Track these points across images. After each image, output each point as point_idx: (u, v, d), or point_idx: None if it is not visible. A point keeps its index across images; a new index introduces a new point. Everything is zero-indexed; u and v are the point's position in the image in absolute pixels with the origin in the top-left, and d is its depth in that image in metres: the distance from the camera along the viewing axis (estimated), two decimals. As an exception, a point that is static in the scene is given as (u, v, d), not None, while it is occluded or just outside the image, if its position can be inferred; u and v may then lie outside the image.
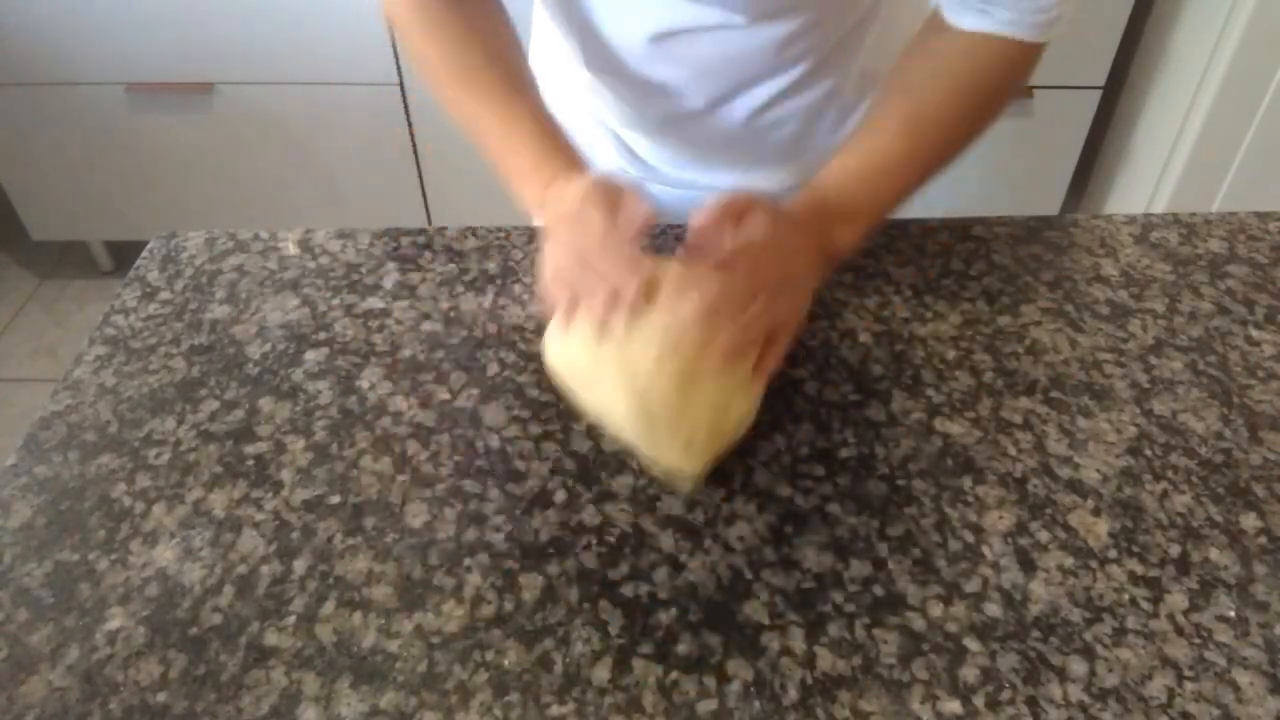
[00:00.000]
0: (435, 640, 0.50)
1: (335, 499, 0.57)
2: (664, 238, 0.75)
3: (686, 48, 0.72)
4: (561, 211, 0.60)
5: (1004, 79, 0.67)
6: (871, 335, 0.67)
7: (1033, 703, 0.47)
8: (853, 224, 0.65)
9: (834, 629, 0.50)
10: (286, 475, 0.59)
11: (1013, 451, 0.60)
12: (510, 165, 0.66)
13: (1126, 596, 0.52)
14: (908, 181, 0.66)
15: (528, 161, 0.64)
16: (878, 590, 0.52)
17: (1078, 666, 0.49)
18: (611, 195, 0.58)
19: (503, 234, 0.77)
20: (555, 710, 0.47)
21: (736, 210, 0.58)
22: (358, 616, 0.51)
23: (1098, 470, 0.59)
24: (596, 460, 0.59)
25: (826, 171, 0.66)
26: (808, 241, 0.61)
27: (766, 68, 0.74)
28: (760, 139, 0.79)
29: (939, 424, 0.61)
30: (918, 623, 0.51)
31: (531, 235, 0.77)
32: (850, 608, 0.51)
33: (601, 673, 0.49)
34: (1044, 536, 0.55)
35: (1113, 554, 0.54)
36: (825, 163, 0.67)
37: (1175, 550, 0.54)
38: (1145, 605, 0.51)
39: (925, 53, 0.68)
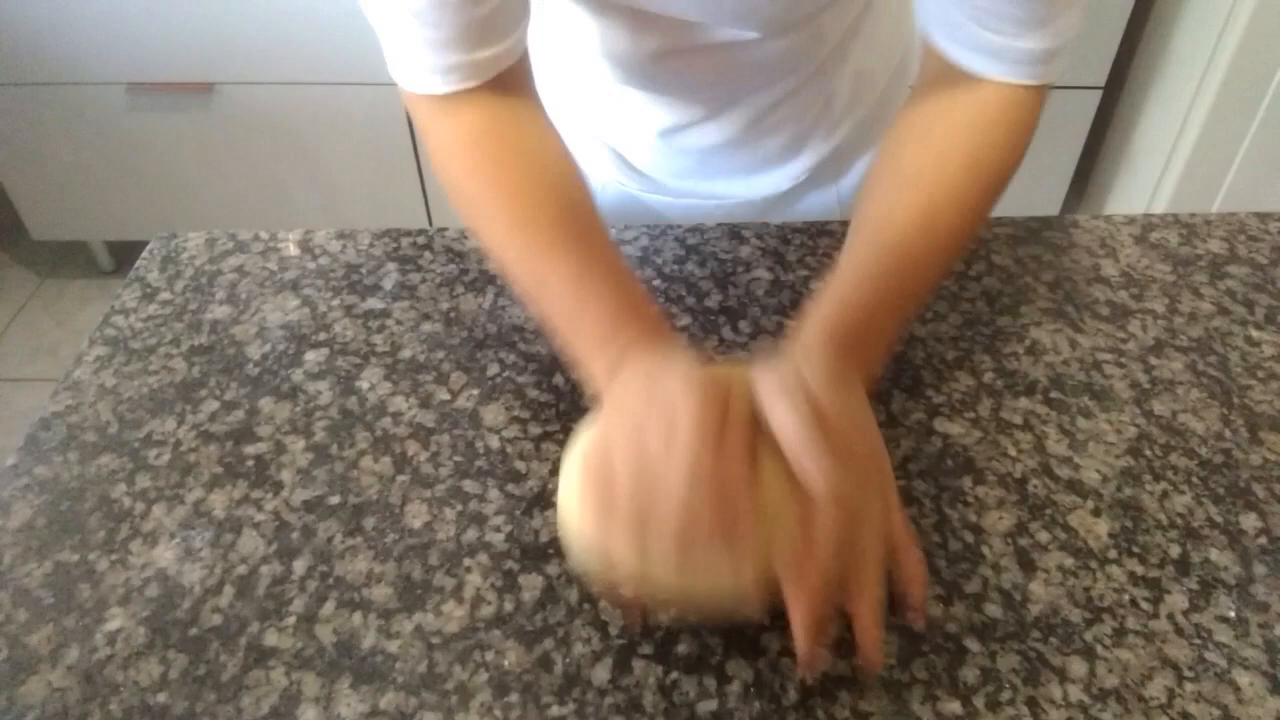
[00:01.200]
0: (435, 640, 0.50)
1: (335, 499, 0.57)
2: (664, 238, 0.75)
3: (693, 62, 0.71)
4: (636, 390, 0.47)
5: (1014, 143, 0.58)
6: (871, 335, 0.67)
7: (1033, 703, 0.47)
8: (885, 345, 0.55)
9: (834, 629, 0.50)
10: (286, 475, 0.59)
11: (1013, 452, 0.60)
12: (580, 333, 0.54)
13: (1126, 597, 0.52)
14: (929, 283, 0.58)
15: (601, 327, 0.52)
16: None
17: (1078, 667, 0.49)
18: (718, 396, 0.45)
19: (503, 234, 0.77)
20: (555, 710, 0.47)
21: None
22: (358, 616, 0.51)
23: (1098, 470, 0.59)
24: (596, 460, 0.59)
25: (841, 287, 0.55)
26: (859, 392, 0.50)
27: (768, 76, 0.74)
28: (759, 143, 0.79)
29: (939, 424, 0.61)
30: (917, 623, 0.51)
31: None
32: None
33: (601, 673, 0.49)
34: (1044, 537, 0.55)
35: (1113, 554, 0.54)
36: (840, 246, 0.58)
37: (1175, 551, 0.54)
38: (1145, 606, 0.52)
39: (930, 125, 0.59)
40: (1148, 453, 0.60)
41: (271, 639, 0.50)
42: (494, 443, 0.60)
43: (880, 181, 0.60)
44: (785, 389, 0.46)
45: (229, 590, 0.53)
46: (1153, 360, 0.66)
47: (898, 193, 0.57)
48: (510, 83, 0.59)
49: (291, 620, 0.51)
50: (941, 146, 0.57)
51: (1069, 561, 0.54)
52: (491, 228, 0.58)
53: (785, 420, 0.45)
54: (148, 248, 0.77)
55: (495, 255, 0.58)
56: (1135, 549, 0.54)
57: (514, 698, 0.48)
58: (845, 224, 0.77)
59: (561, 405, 0.62)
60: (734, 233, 0.76)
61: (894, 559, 0.48)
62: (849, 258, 0.57)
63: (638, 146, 0.82)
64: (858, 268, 0.56)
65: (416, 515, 0.56)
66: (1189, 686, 0.48)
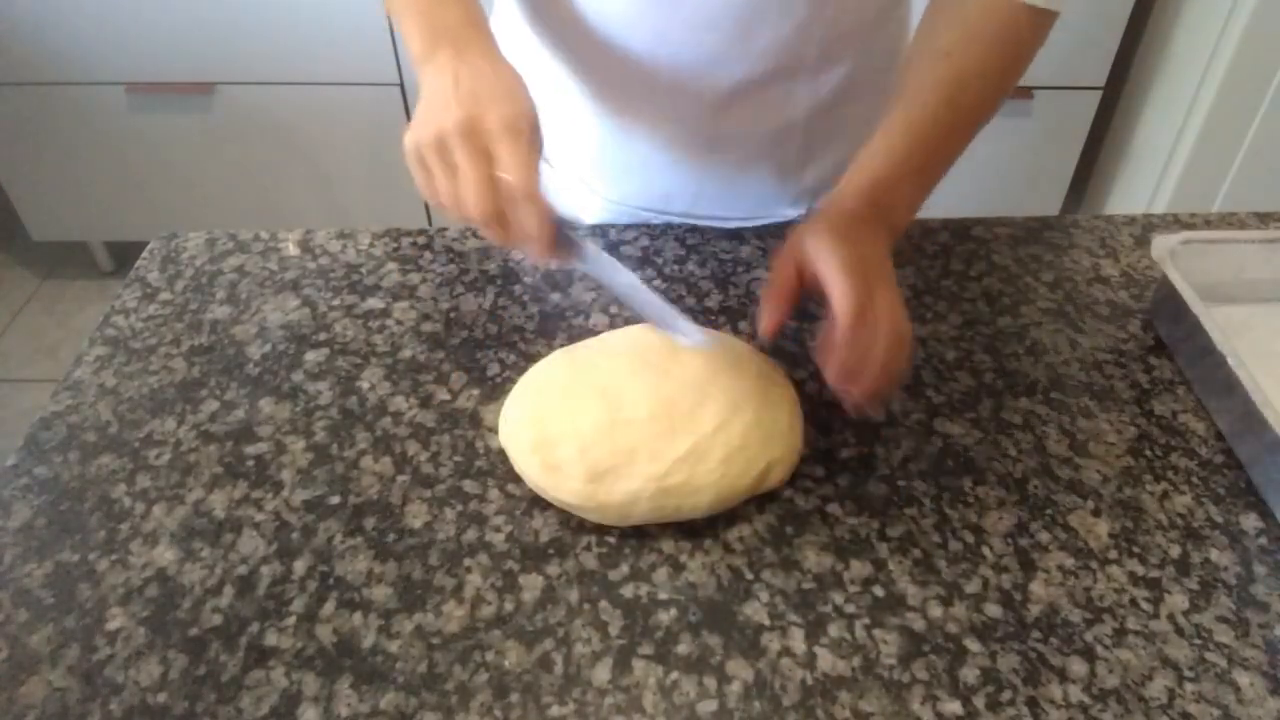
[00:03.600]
0: (435, 640, 0.50)
1: (335, 499, 0.57)
2: (664, 238, 0.75)
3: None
4: (454, 72, 0.56)
5: (1028, 43, 0.65)
6: (871, 335, 0.67)
7: (1033, 703, 0.47)
8: (909, 206, 0.65)
9: (834, 629, 0.50)
10: (286, 475, 0.59)
11: (1013, 452, 0.60)
12: (415, 23, 0.61)
13: (1127, 597, 0.52)
14: (952, 151, 0.66)
15: (433, 17, 0.60)
16: (878, 590, 0.52)
17: (1078, 667, 0.49)
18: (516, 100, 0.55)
19: (503, 234, 0.77)
20: (555, 711, 0.47)
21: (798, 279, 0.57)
22: (358, 616, 0.51)
23: (1098, 471, 0.59)
24: (596, 460, 0.59)
25: (874, 150, 0.65)
26: (877, 240, 0.61)
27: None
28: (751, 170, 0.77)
29: (939, 424, 0.61)
30: (918, 623, 0.51)
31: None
32: (850, 608, 0.51)
33: (601, 673, 0.49)
34: (1044, 537, 0.55)
35: (1113, 554, 0.54)
36: (867, 140, 0.66)
37: (1175, 551, 0.54)
38: (1145, 606, 0.51)
39: (952, 15, 0.65)
40: (1148, 453, 0.60)
41: (271, 639, 0.50)
42: (494, 443, 0.60)
43: (917, 56, 0.66)
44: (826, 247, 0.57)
45: (229, 590, 0.53)
46: (1153, 360, 0.66)
47: (931, 66, 0.64)
48: None
49: (291, 620, 0.51)
50: (972, 26, 0.64)
51: (1069, 561, 0.54)
52: None
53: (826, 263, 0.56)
54: (148, 248, 0.77)
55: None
56: (1135, 549, 0.54)
57: (514, 698, 0.48)
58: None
59: (561, 405, 0.62)
60: (734, 233, 0.76)
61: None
62: (884, 129, 0.64)
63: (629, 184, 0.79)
64: (888, 139, 0.64)
65: (416, 515, 0.56)
66: (1189, 687, 0.48)
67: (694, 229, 0.77)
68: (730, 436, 0.55)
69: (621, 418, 0.55)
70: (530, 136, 0.54)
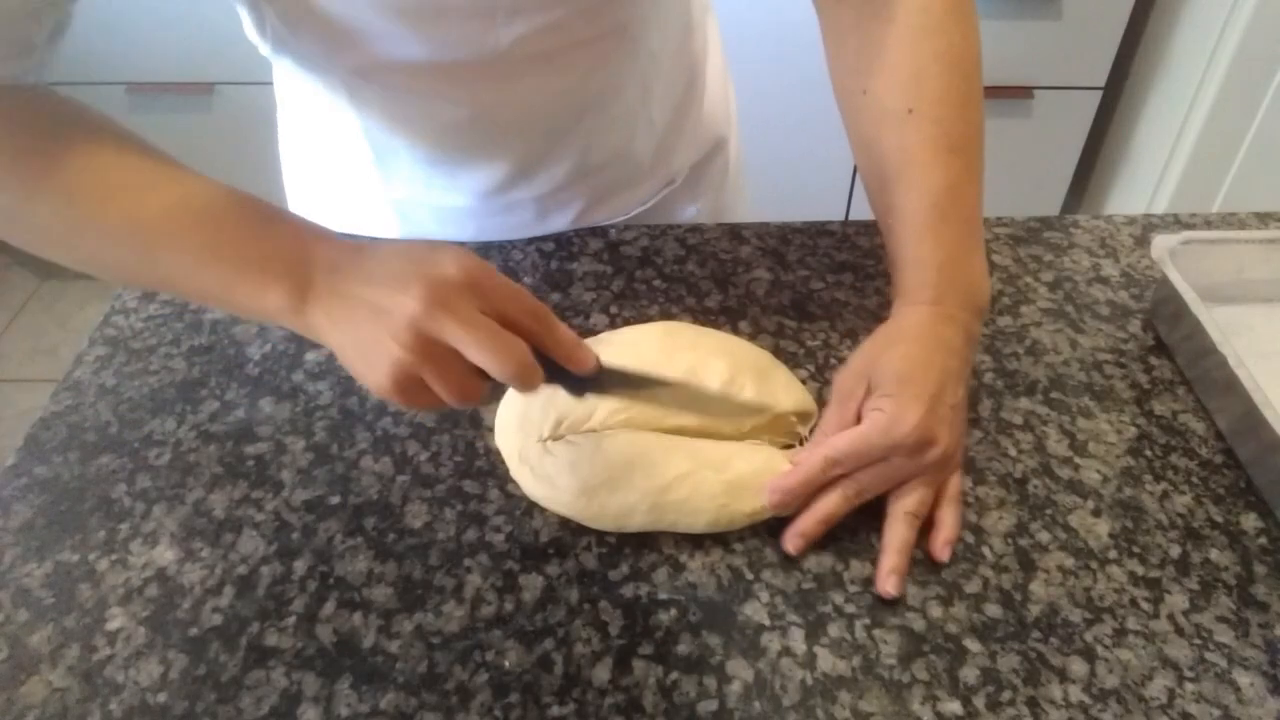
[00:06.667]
0: (435, 640, 0.50)
1: (335, 499, 0.57)
2: (664, 238, 0.75)
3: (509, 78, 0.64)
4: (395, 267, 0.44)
5: (967, 40, 0.59)
6: (871, 335, 0.67)
7: (1033, 703, 0.47)
8: (977, 273, 0.59)
9: (834, 629, 0.50)
10: (287, 476, 0.59)
11: (1013, 452, 0.60)
12: (243, 256, 0.48)
13: (1127, 597, 0.52)
14: (974, 192, 0.60)
15: (278, 241, 0.48)
16: (878, 591, 0.52)
17: (1078, 667, 0.49)
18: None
19: (503, 234, 0.77)
20: (555, 711, 0.47)
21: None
22: (358, 616, 0.51)
23: (1098, 471, 0.59)
24: (596, 460, 0.59)
25: (905, 252, 0.59)
26: (919, 340, 0.56)
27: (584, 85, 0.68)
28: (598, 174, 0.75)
29: (939, 424, 0.61)
30: (918, 623, 0.51)
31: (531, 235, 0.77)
32: (850, 608, 0.51)
33: (601, 673, 0.49)
34: (1044, 537, 0.55)
35: (1113, 554, 0.54)
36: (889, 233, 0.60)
37: (1175, 551, 0.54)
38: (1145, 606, 0.51)
39: (883, 73, 0.59)
40: (1148, 453, 0.60)
41: (271, 639, 0.50)
42: (494, 443, 0.60)
43: (881, 129, 0.60)
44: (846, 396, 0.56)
45: (229, 590, 0.53)
46: (1153, 360, 0.66)
47: (901, 131, 0.58)
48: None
49: (291, 620, 0.51)
50: (910, 68, 0.58)
51: (1069, 561, 0.54)
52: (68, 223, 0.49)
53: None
54: (148, 248, 0.77)
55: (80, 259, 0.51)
56: (1135, 549, 0.54)
57: (514, 698, 0.48)
58: (843, 224, 0.77)
59: (561, 405, 0.62)
60: (734, 233, 0.76)
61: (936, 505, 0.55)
62: (898, 216, 0.59)
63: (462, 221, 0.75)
64: (906, 222, 0.58)
65: (416, 515, 0.56)
66: (1189, 687, 0.48)
67: (694, 229, 0.77)
68: (738, 469, 0.54)
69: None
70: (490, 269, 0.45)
